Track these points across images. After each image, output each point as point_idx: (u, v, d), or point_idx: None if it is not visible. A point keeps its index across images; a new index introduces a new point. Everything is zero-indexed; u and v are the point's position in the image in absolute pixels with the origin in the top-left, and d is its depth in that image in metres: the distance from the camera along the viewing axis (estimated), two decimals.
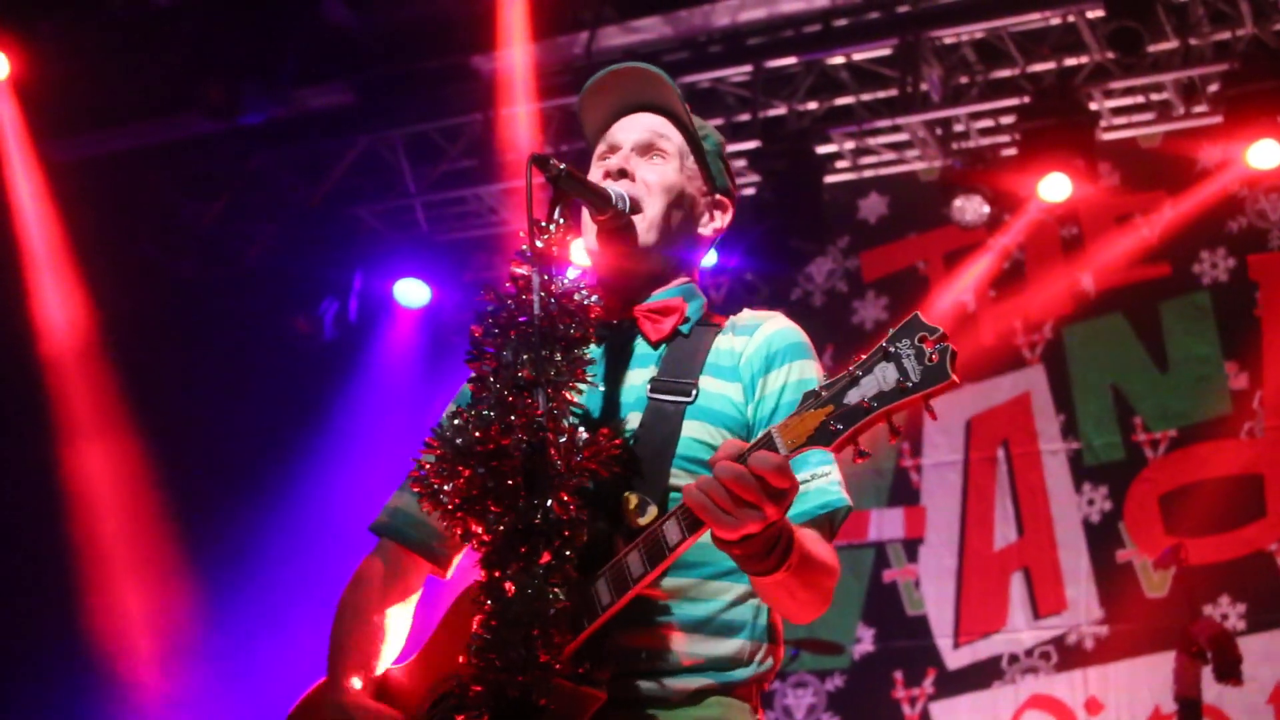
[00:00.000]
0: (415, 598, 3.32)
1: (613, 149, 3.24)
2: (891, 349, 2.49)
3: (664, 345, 3.11)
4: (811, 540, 2.82)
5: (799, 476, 2.68)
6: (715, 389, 3.02)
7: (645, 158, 3.20)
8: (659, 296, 3.17)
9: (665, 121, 3.26)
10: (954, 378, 2.44)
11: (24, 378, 9.24)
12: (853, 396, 2.51)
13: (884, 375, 2.49)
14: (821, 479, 2.91)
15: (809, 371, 3.05)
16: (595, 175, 3.19)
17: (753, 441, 2.59)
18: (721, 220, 3.30)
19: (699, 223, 3.25)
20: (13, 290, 9.19)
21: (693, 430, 2.97)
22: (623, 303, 3.17)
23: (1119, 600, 8.15)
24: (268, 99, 8.51)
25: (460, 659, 2.89)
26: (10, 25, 8.59)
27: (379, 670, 3.21)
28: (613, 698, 2.83)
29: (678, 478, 2.92)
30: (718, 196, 3.29)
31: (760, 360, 3.05)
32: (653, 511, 2.86)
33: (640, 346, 3.12)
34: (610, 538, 2.83)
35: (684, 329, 3.13)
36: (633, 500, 2.88)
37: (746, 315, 3.18)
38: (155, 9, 8.81)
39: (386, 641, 3.25)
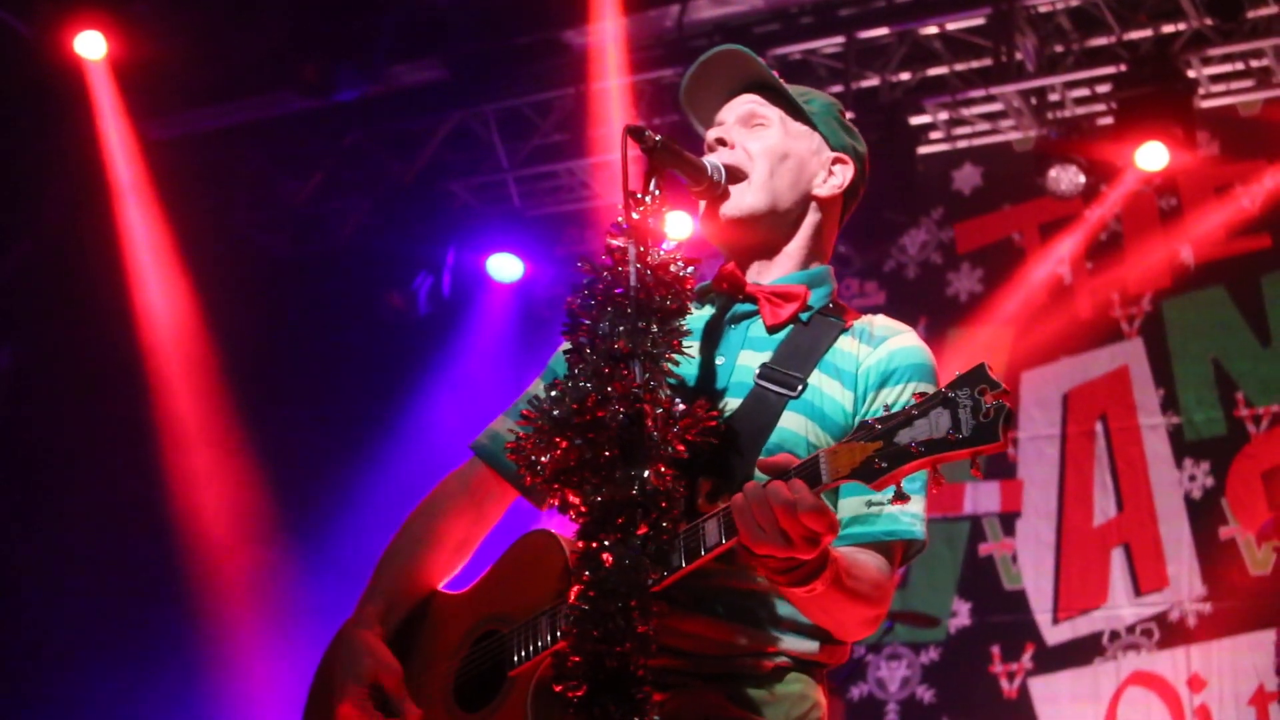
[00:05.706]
0: (492, 524, 3.34)
1: (717, 127, 3.22)
2: (950, 395, 2.48)
3: (783, 330, 3.07)
4: (859, 566, 2.79)
5: (879, 498, 2.70)
6: (827, 388, 2.98)
7: (747, 128, 3.17)
8: (783, 280, 3.13)
9: (762, 98, 3.22)
10: (1002, 440, 2.43)
11: (123, 353, 9.35)
12: (903, 437, 2.50)
13: (937, 421, 2.48)
14: (897, 505, 2.77)
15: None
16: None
17: (801, 461, 2.59)
18: (843, 176, 3.21)
19: (812, 182, 3.18)
20: (112, 266, 9.31)
21: (791, 422, 2.94)
22: (746, 277, 3.15)
23: (1222, 577, 8.00)
24: (361, 76, 8.59)
25: (504, 603, 2.97)
26: (107, 5, 8.69)
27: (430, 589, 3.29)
28: (697, 673, 2.87)
29: None
30: (835, 154, 3.22)
31: (878, 375, 2.99)
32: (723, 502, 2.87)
33: (759, 328, 3.09)
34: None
35: (803, 317, 3.08)
36: (706, 487, 2.89)
37: (880, 323, 3.11)
38: None
39: (438, 571, 3.31)
